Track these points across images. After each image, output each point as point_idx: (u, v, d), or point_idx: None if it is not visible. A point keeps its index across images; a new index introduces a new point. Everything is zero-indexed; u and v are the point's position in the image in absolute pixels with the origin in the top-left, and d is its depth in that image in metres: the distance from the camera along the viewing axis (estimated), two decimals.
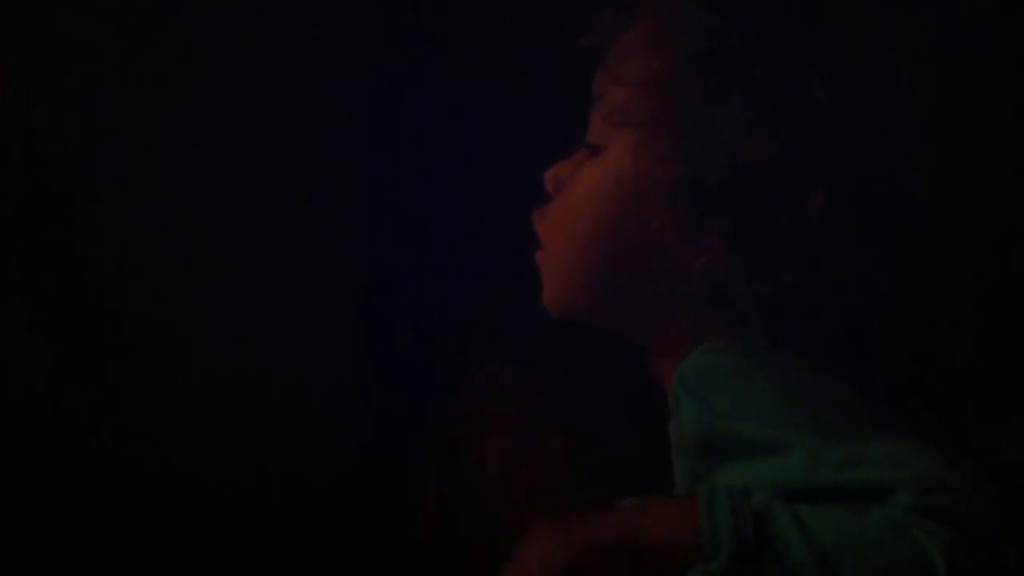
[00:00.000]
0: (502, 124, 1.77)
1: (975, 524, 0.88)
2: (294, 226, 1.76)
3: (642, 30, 1.06)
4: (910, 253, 1.01)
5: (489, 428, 1.76)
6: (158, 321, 1.71)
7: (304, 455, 1.76)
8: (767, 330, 1.00)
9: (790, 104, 1.00)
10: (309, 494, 1.75)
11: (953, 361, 1.01)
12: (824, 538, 0.88)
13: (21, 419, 1.66)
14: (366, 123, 1.79)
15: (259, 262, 1.75)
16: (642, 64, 1.04)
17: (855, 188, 0.99)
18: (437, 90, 1.79)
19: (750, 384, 0.98)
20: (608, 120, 1.06)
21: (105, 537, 1.68)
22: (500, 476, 1.74)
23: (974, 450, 0.98)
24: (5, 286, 1.66)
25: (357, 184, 1.79)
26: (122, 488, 1.69)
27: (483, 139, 1.78)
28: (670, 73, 1.03)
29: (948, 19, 1.04)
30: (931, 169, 1.00)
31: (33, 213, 1.67)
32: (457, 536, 1.75)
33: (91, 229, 1.69)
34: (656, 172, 1.03)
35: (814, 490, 0.91)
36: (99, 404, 1.69)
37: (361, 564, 1.78)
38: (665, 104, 1.03)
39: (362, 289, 1.79)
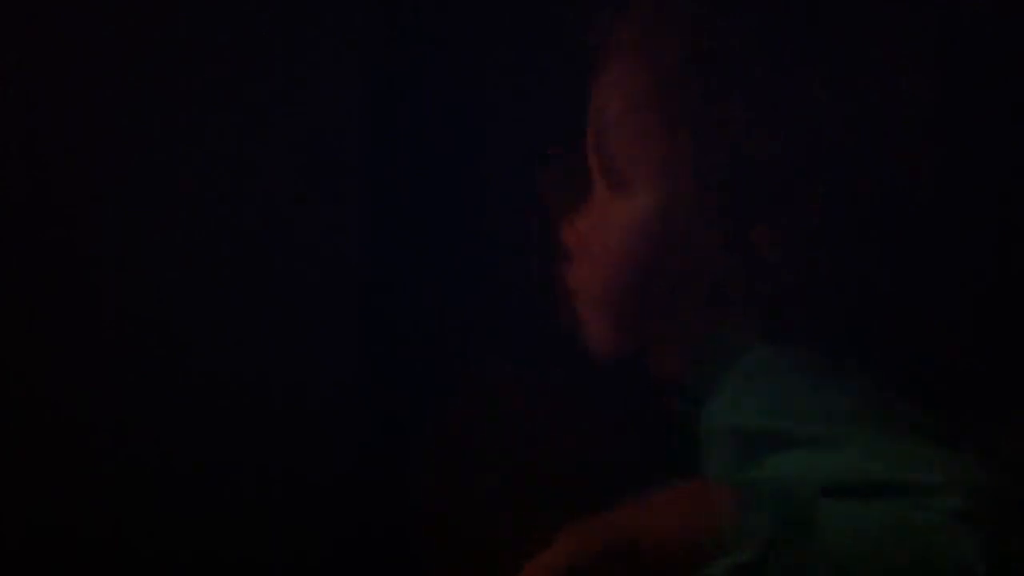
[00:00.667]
0: (502, 124, 1.77)
1: (1017, 530, 0.88)
2: (294, 226, 1.76)
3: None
4: (910, 253, 1.01)
5: (489, 428, 1.76)
6: (158, 321, 1.71)
7: (304, 455, 1.76)
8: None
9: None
10: (309, 494, 1.75)
11: (953, 361, 1.01)
12: (865, 536, 0.88)
13: (21, 419, 1.66)
14: (366, 123, 1.79)
15: (259, 262, 1.75)
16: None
17: (855, 188, 0.99)
18: (437, 90, 1.79)
19: (804, 381, 0.98)
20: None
21: (105, 537, 1.68)
22: (500, 476, 1.74)
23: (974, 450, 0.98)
24: (5, 286, 1.66)
25: (357, 184, 1.79)
26: (122, 488, 1.69)
27: (483, 139, 1.78)
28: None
29: (948, 19, 1.04)
30: (931, 169, 1.00)
31: (33, 213, 1.67)
32: (457, 536, 1.75)
33: (91, 229, 1.69)
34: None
35: (858, 488, 0.91)
36: (99, 404, 1.69)
37: (361, 564, 1.78)
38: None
39: (362, 289, 1.79)
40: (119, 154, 1.70)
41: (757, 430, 0.97)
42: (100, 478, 1.68)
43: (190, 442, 1.71)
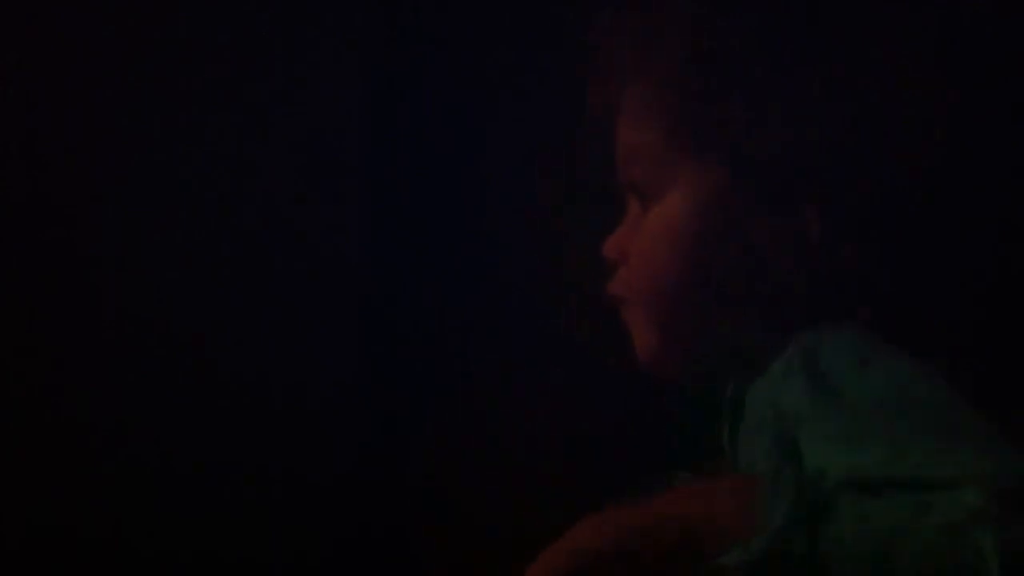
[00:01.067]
0: (502, 124, 1.77)
1: None
2: (294, 226, 1.77)
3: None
4: (910, 253, 1.01)
5: (489, 428, 1.76)
6: (158, 321, 1.71)
7: (304, 455, 1.76)
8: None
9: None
10: (309, 494, 1.76)
11: (953, 361, 1.01)
12: (878, 533, 0.88)
13: (21, 419, 1.66)
14: (366, 123, 1.79)
15: (259, 262, 1.75)
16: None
17: (855, 188, 0.99)
18: (437, 90, 1.79)
19: (848, 368, 0.97)
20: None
21: (105, 537, 1.68)
22: (500, 476, 1.74)
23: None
24: (5, 286, 1.66)
25: (357, 184, 1.79)
26: (122, 488, 1.69)
27: (483, 139, 1.78)
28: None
29: (948, 19, 1.04)
30: (931, 169, 1.01)
31: (33, 213, 1.67)
32: (457, 536, 1.75)
33: (91, 229, 1.69)
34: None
35: (878, 484, 0.91)
36: (99, 404, 1.69)
37: (361, 564, 1.78)
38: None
39: (362, 289, 1.79)
40: (119, 154, 1.70)
41: (793, 418, 0.97)
42: (100, 478, 1.68)
43: (190, 442, 1.71)
